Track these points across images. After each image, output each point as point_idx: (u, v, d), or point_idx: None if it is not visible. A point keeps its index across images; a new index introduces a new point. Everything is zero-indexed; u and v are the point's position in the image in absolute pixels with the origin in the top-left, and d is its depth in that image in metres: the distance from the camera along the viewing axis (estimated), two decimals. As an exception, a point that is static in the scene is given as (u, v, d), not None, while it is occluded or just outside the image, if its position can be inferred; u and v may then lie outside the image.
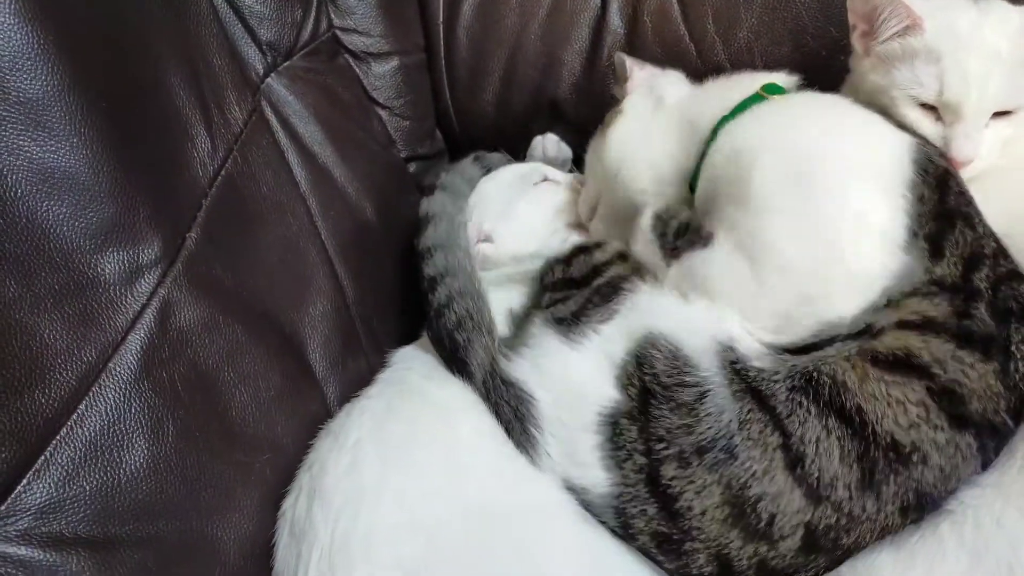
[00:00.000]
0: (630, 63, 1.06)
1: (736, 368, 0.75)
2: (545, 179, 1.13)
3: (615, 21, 1.25)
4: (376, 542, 0.71)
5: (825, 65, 1.04)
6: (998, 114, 0.85)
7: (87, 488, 0.62)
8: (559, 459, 0.77)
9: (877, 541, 0.70)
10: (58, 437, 0.61)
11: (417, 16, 1.32)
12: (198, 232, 0.76)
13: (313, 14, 1.13)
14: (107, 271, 0.66)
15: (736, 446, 0.71)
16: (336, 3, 1.20)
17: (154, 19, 0.79)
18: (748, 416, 0.72)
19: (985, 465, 0.71)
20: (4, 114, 0.60)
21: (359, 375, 0.94)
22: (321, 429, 0.83)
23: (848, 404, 0.71)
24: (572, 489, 0.77)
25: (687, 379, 0.75)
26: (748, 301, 0.78)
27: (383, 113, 1.28)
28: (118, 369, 0.65)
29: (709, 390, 0.74)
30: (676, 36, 1.21)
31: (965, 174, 0.84)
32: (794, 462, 0.70)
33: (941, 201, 0.77)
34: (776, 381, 0.74)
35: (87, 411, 0.63)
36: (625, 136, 1.00)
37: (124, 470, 0.64)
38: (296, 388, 0.85)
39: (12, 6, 0.60)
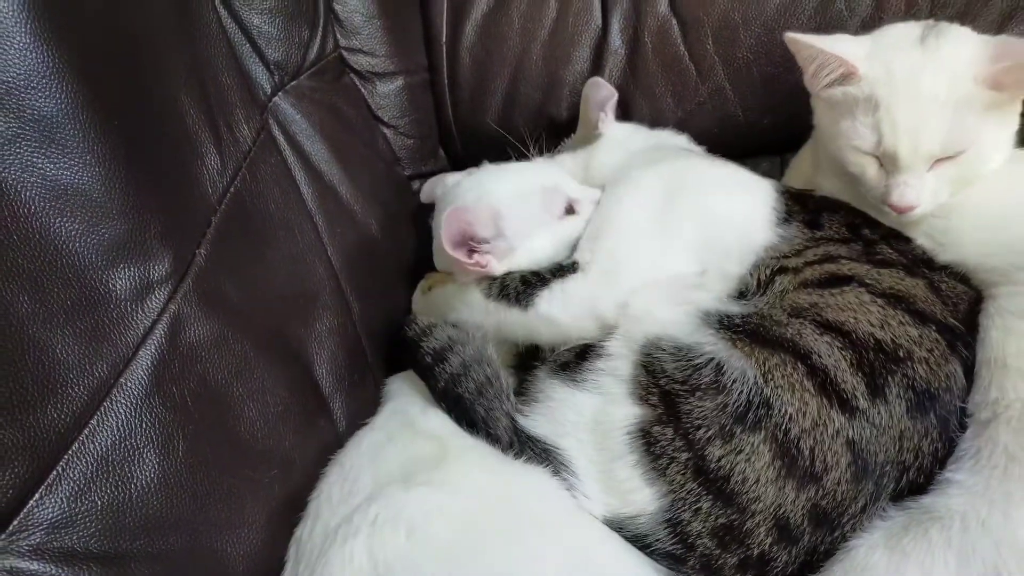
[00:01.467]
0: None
1: (726, 324, 0.80)
2: (569, 206, 1.00)
3: (616, 42, 1.26)
4: (353, 541, 0.71)
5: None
6: (944, 158, 0.83)
7: (98, 503, 0.62)
8: (601, 497, 0.78)
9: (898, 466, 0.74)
10: (70, 452, 0.61)
11: (421, 36, 1.33)
12: (207, 248, 0.77)
13: (320, 34, 1.14)
14: (118, 287, 0.66)
15: (769, 396, 0.74)
16: (342, 23, 1.22)
17: (165, 39, 0.80)
18: (767, 366, 0.76)
19: (965, 367, 0.77)
20: (19, 131, 0.60)
21: (365, 391, 0.95)
22: (328, 445, 0.84)
23: (829, 318, 0.77)
24: (621, 525, 0.77)
25: (698, 362, 0.78)
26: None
27: (388, 131, 1.29)
28: (129, 384, 0.66)
29: (721, 359, 0.77)
30: (676, 56, 1.23)
31: (910, 217, 0.86)
32: (823, 382, 0.74)
33: (804, 206, 0.93)
34: (765, 317, 0.79)
35: (98, 426, 0.63)
36: None
37: (135, 485, 0.64)
38: (303, 404, 0.85)
39: (28, 26, 0.61)
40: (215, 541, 0.70)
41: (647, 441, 0.77)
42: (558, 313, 0.90)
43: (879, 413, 0.73)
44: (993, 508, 0.68)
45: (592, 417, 0.81)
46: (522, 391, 0.89)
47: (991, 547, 0.67)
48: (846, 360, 0.75)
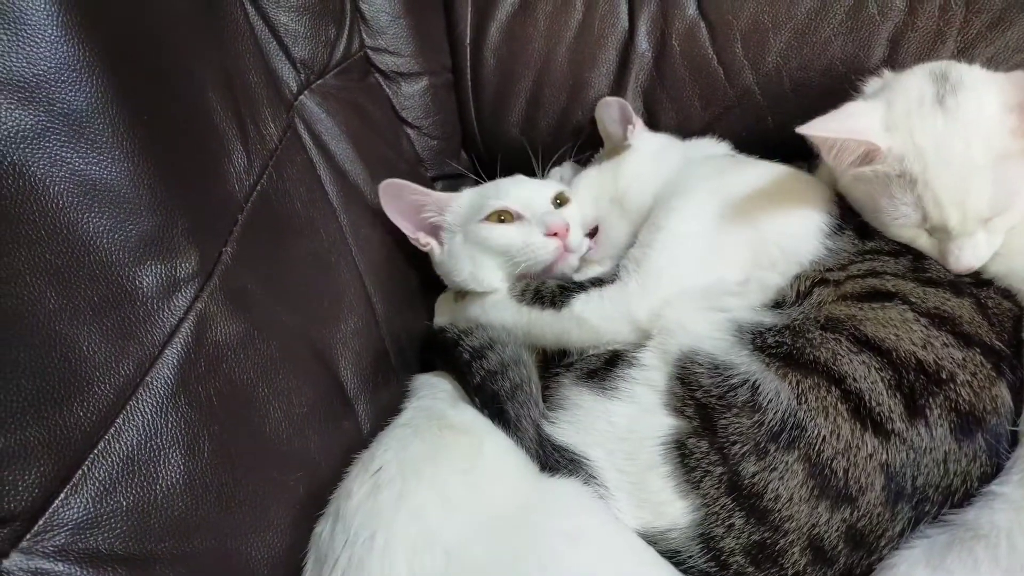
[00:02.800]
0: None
1: (758, 343, 0.79)
2: (502, 212, 1.00)
3: (643, 44, 1.25)
4: (392, 558, 0.70)
5: (854, 90, 1.04)
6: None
7: (124, 504, 0.61)
8: (631, 510, 0.77)
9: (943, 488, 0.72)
10: (95, 451, 0.61)
11: (445, 37, 1.32)
12: (234, 247, 0.76)
13: (346, 33, 1.14)
14: (145, 284, 0.66)
15: (802, 419, 0.73)
16: (368, 22, 1.21)
17: (193, 36, 0.80)
18: (801, 388, 0.75)
19: (1013, 390, 0.75)
20: (49, 125, 0.60)
21: (389, 393, 0.94)
22: (353, 447, 0.83)
23: (868, 332, 0.76)
24: (653, 540, 0.76)
25: (733, 381, 0.77)
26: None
27: (411, 132, 1.28)
28: (155, 383, 0.65)
29: (757, 379, 0.76)
30: (704, 59, 1.21)
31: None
32: (856, 406, 0.73)
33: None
34: (798, 333, 0.78)
35: (124, 425, 0.62)
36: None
37: (160, 486, 0.63)
38: (328, 405, 0.84)
39: (59, 19, 0.61)
40: (240, 543, 0.69)
41: (682, 453, 0.76)
42: (592, 315, 0.90)
43: (919, 434, 0.72)
44: None
45: (625, 426, 0.80)
46: (545, 397, 0.88)
47: None
48: (884, 381, 0.74)
